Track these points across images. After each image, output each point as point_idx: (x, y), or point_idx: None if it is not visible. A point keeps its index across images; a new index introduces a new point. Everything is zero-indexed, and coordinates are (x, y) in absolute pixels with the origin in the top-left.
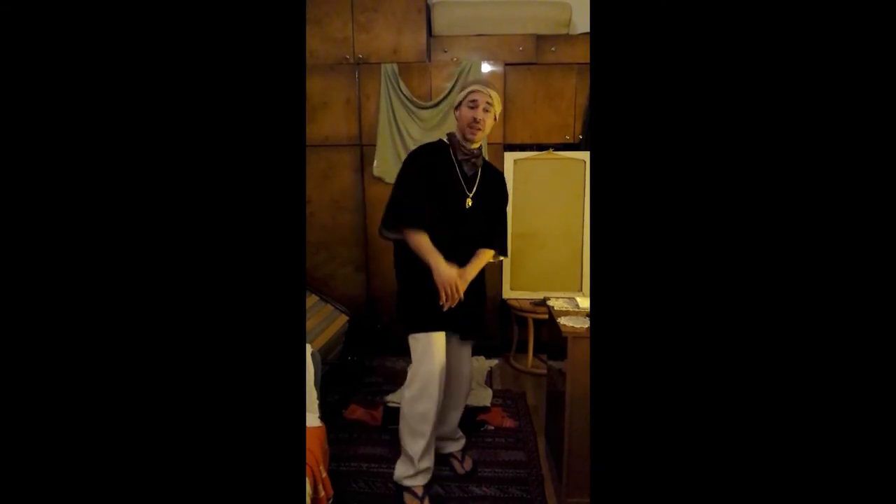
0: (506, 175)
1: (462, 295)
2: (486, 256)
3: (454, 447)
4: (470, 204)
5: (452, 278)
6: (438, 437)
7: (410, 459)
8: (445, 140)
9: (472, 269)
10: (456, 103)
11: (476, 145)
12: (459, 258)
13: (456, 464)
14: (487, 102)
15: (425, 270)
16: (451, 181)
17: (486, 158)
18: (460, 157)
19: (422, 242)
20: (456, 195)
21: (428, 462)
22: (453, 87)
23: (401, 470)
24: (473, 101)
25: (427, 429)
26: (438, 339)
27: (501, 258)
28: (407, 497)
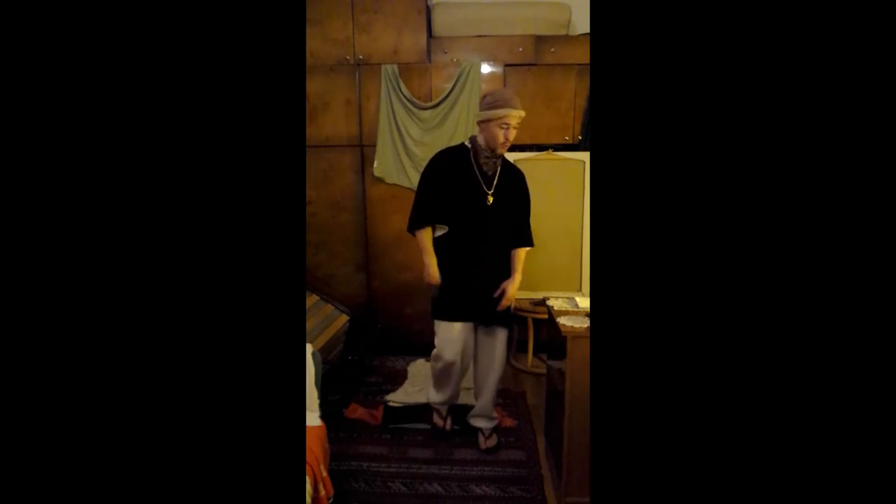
0: None
1: (512, 299)
2: (523, 256)
3: (484, 423)
4: (491, 200)
5: (435, 278)
6: (472, 414)
7: (436, 394)
8: (468, 144)
9: (519, 274)
10: (484, 118)
11: (500, 154)
12: (485, 254)
13: (481, 438)
14: (518, 122)
15: (451, 270)
16: (471, 181)
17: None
18: (481, 161)
19: (422, 242)
20: (476, 194)
21: (446, 398)
22: (453, 87)
23: (431, 395)
24: (507, 124)
25: (447, 392)
26: (454, 326)
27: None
28: (434, 415)
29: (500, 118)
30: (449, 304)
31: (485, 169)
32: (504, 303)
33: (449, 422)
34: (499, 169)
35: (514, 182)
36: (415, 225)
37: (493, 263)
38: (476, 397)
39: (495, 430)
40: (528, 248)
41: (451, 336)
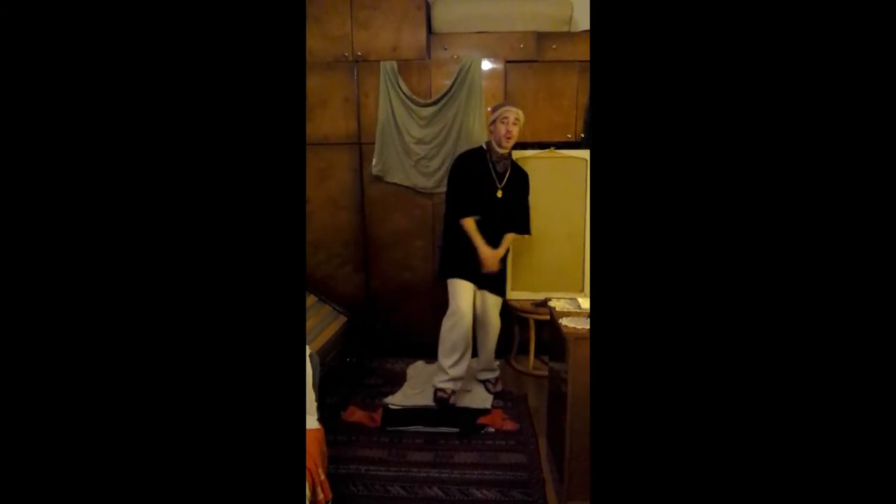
0: None
1: (496, 267)
2: (511, 238)
3: (489, 375)
4: (500, 195)
5: (490, 256)
6: (476, 370)
7: (444, 370)
8: (484, 146)
9: (503, 249)
10: (490, 120)
11: (506, 151)
12: (494, 234)
13: (489, 385)
14: (516, 118)
15: (464, 239)
16: (486, 178)
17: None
18: (494, 160)
19: (470, 228)
20: (490, 187)
21: (458, 372)
22: (453, 84)
23: (435, 378)
24: (506, 118)
25: (459, 348)
26: (466, 285)
27: (527, 235)
28: (438, 393)
29: (500, 115)
30: (461, 266)
31: (498, 168)
32: (486, 263)
33: (453, 398)
34: (509, 169)
35: (519, 181)
36: (459, 215)
37: (496, 242)
38: (479, 355)
39: (499, 377)
40: (521, 235)
41: (462, 288)
